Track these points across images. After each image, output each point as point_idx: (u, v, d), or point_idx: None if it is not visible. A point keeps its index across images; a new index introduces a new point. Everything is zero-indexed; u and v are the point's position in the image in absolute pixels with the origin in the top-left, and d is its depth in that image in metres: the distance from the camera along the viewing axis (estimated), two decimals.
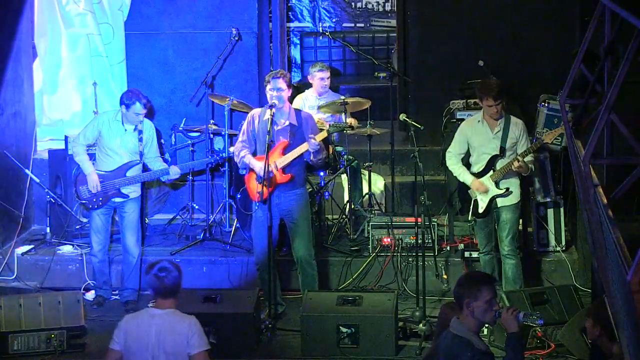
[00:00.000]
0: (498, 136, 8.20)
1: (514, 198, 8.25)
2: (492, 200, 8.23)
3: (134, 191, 8.58)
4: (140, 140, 8.52)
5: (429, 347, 7.66)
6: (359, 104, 9.59)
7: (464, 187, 8.39)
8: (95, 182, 8.43)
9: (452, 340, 5.12)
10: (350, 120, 9.34)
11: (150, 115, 10.20)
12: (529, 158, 8.16)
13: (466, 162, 8.38)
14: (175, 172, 8.62)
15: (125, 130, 8.51)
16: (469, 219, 8.51)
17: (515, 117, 8.30)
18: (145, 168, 8.69)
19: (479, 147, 8.28)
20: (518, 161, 8.05)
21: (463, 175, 8.32)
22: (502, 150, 8.19)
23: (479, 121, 8.29)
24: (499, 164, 8.19)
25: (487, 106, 8.13)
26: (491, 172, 8.21)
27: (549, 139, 8.22)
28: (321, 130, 8.30)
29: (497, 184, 8.21)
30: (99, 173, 8.48)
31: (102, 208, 8.54)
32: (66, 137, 9.50)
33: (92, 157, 8.68)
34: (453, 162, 8.39)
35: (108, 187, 8.47)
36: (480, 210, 8.27)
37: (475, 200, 8.28)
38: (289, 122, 8.12)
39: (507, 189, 8.19)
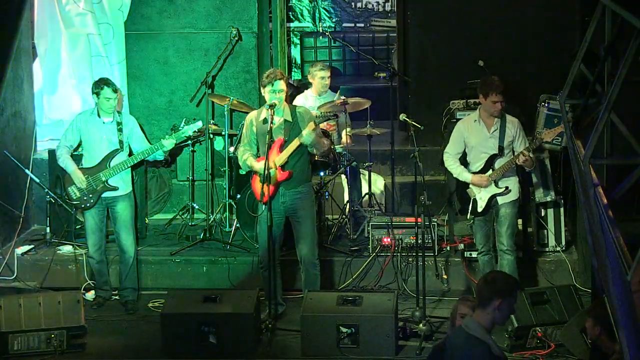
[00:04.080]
0: (495, 135, 8.21)
1: (512, 195, 8.27)
2: (492, 199, 8.23)
3: (123, 185, 8.58)
4: (120, 130, 8.54)
5: (429, 347, 7.67)
6: (358, 104, 9.59)
7: (462, 187, 8.39)
8: (80, 178, 8.47)
9: (468, 340, 4.99)
10: (339, 100, 9.33)
11: (150, 115, 10.23)
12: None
13: (463, 162, 8.38)
14: (169, 142, 8.58)
15: (104, 122, 8.55)
16: (468, 218, 8.51)
17: (510, 116, 8.31)
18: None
19: (477, 147, 8.28)
20: (524, 155, 8.04)
21: (462, 174, 8.33)
22: (501, 149, 8.21)
23: (475, 121, 8.30)
24: (498, 163, 8.20)
25: (492, 102, 8.12)
26: (490, 172, 8.22)
27: (548, 138, 8.21)
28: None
29: (496, 183, 8.22)
30: (83, 169, 8.53)
31: (95, 207, 8.55)
32: None
33: (80, 158, 8.70)
34: (451, 162, 8.39)
35: (95, 180, 8.48)
36: (480, 209, 8.27)
37: (475, 200, 8.29)
38: (284, 119, 8.11)
39: (507, 187, 8.21)
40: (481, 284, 5.17)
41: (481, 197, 8.26)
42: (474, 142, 8.29)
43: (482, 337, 4.97)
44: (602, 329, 6.15)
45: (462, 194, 8.42)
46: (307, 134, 7.94)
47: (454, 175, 8.43)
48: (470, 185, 8.30)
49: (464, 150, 8.36)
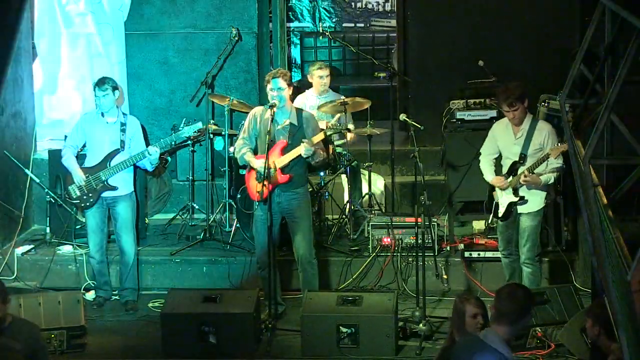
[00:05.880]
0: (519, 142, 8.01)
1: (534, 205, 8.05)
2: (511, 205, 8.10)
3: (123, 186, 8.57)
4: (123, 131, 8.54)
5: (429, 346, 7.67)
6: (359, 104, 9.58)
7: (491, 188, 8.27)
8: (80, 176, 8.49)
9: (484, 349, 4.90)
10: (339, 101, 9.34)
11: (150, 115, 10.23)
12: (541, 169, 7.93)
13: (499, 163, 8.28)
14: (153, 150, 8.58)
15: (107, 122, 8.56)
16: (489, 221, 8.47)
17: (543, 122, 8.16)
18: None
19: (503, 151, 8.16)
20: (525, 175, 7.94)
21: (486, 174, 8.23)
22: (523, 157, 8.01)
23: (507, 124, 8.13)
24: (520, 171, 8.02)
25: (504, 112, 8.05)
26: (510, 178, 8.09)
27: (553, 155, 8.00)
28: (321, 130, 8.31)
29: (515, 191, 8.06)
30: (84, 168, 8.54)
31: (95, 207, 8.55)
32: (66, 137, 9.50)
33: (84, 158, 8.71)
34: (482, 162, 8.29)
35: (94, 180, 8.49)
36: (499, 214, 8.17)
37: (496, 203, 8.20)
38: (290, 122, 8.12)
39: (522, 197, 8.01)
40: (503, 297, 5.06)
41: (502, 203, 8.15)
42: (501, 145, 8.17)
43: (501, 349, 4.89)
44: (601, 329, 6.15)
45: (490, 195, 8.34)
46: (306, 148, 7.93)
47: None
48: (496, 189, 8.20)
49: (499, 152, 8.25)
